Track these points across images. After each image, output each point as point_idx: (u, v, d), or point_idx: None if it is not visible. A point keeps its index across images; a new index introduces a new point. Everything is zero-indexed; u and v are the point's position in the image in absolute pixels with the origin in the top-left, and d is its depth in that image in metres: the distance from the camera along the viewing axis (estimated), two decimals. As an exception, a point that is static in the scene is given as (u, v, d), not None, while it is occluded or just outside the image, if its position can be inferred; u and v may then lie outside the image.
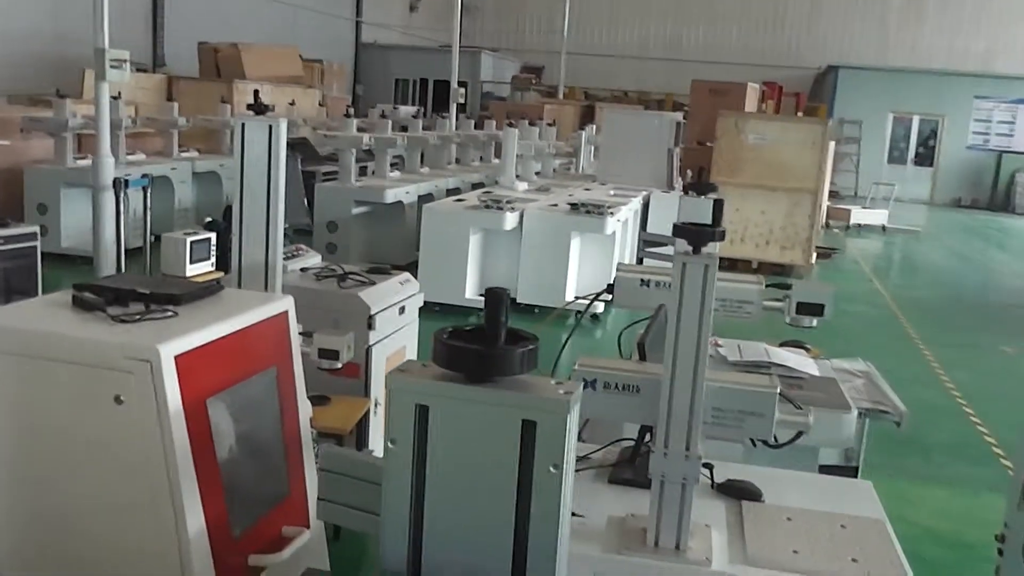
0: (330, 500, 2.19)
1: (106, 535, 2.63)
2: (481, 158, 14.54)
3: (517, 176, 10.96)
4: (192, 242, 4.71)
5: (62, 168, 9.59)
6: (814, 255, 12.64)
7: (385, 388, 1.93)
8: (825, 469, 3.47)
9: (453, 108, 14.92)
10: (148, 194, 7.94)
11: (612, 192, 10.90)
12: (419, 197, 10.32)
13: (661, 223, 10.60)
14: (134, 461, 2.56)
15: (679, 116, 13.28)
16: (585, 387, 2.24)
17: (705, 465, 2.64)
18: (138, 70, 13.20)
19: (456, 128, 14.40)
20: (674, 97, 22.86)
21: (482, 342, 1.87)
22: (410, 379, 1.92)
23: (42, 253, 6.28)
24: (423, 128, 13.25)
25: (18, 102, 11.41)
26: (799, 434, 2.60)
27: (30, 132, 9.74)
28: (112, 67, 6.48)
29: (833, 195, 20.28)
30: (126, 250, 7.26)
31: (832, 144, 14.56)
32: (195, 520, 2.57)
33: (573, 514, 2.44)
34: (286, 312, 3.16)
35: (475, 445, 1.88)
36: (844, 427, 3.31)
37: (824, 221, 16.49)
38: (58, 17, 12.14)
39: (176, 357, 2.55)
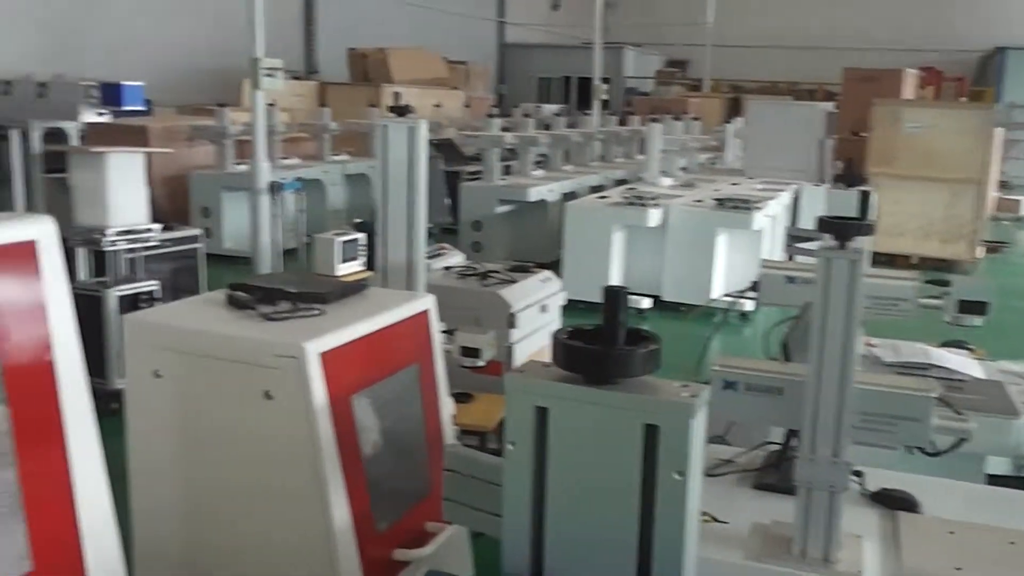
0: (455, 500, 2.19)
1: (257, 526, 2.73)
2: (625, 155, 14.42)
3: (661, 172, 10.81)
4: (342, 242, 4.86)
5: (223, 173, 10.09)
6: (981, 249, 11.92)
7: (505, 389, 1.91)
8: (993, 480, 3.24)
9: (596, 105, 14.84)
10: (301, 196, 8.27)
11: (760, 186, 10.60)
12: (562, 195, 10.32)
13: (812, 218, 10.23)
14: (283, 455, 2.65)
15: (830, 106, 12.77)
16: (725, 388, 2.17)
17: (855, 472, 2.52)
18: (293, 78, 13.75)
19: (599, 125, 14.33)
20: (825, 86, 22.03)
21: (602, 342, 1.83)
22: (529, 380, 1.90)
23: (206, 254, 6.64)
24: (566, 126, 13.24)
25: (185, 112, 12.07)
26: (960, 441, 2.44)
27: (194, 140, 10.30)
28: (267, 76, 6.75)
29: (1003, 185, 19.07)
30: (283, 250, 7.58)
31: (1001, 131, 13.69)
32: (341, 513, 2.64)
33: (715, 519, 2.37)
34: (428, 310, 3.21)
35: (595, 449, 1.84)
36: (1011, 433, 3.09)
37: (992, 213, 15.54)
38: (221, 32, 12.77)
39: (322, 354, 2.62)
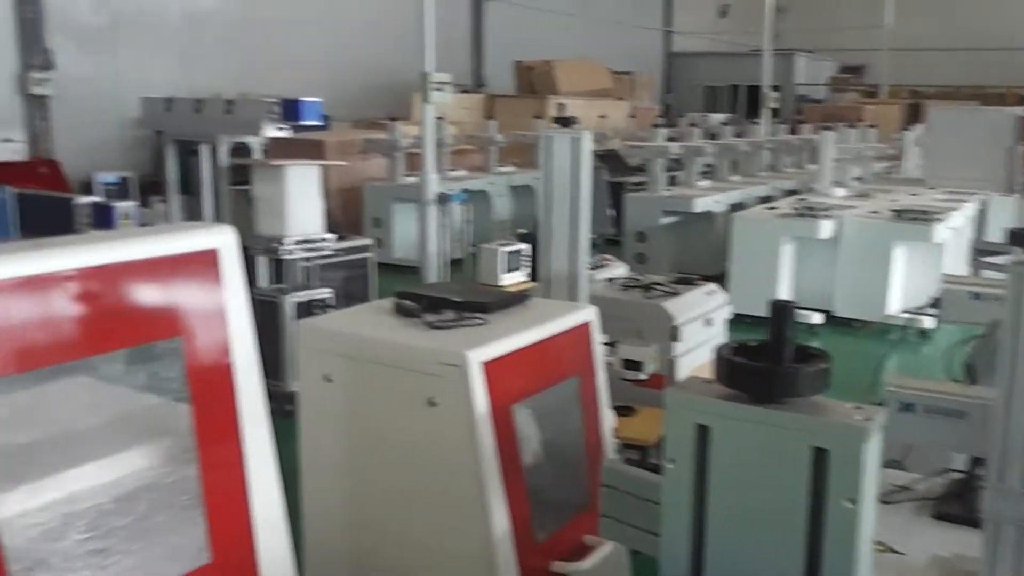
0: (612, 517, 2.15)
1: (419, 531, 2.79)
2: (795, 164, 13.96)
3: (834, 182, 10.40)
4: (506, 252, 4.92)
5: (394, 185, 10.44)
6: None
7: (664, 405, 1.86)
8: None
9: (765, 113, 14.45)
10: (468, 207, 8.43)
11: (942, 197, 10.03)
12: (729, 206, 10.09)
13: (1000, 230, 9.58)
14: (445, 461, 2.70)
15: (1021, 110, 11.93)
16: (902, 410, 2.05)
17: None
18: (461, 91, 14.06)
19: (768, 134, 13.95)
20: (1015, 90, 20.64)
21: (769, 360, 1.76)
22: (690, 396, 1.84)
23: (377, 263, 6.87)
24: (734, 135, 12.96)
25: (359, 126, 12.57)
26: None
27: (367, 153, 10.70)
28: (435, 89, 6.93)
29: None
30: (450, 260, 7.75)
31: None
32: (500, 522, 2.66)
33: (892, 550, 2.24)
34: (590, 322, 3.19)
35: (760, 471, 1.77)
36: None
37: None
38: (393, 49, 13.22)
39: (484, 363, 2.65)
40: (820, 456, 1.70)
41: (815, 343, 1.81)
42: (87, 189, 9.50)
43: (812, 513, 1.72)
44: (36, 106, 10.56)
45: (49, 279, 1.96)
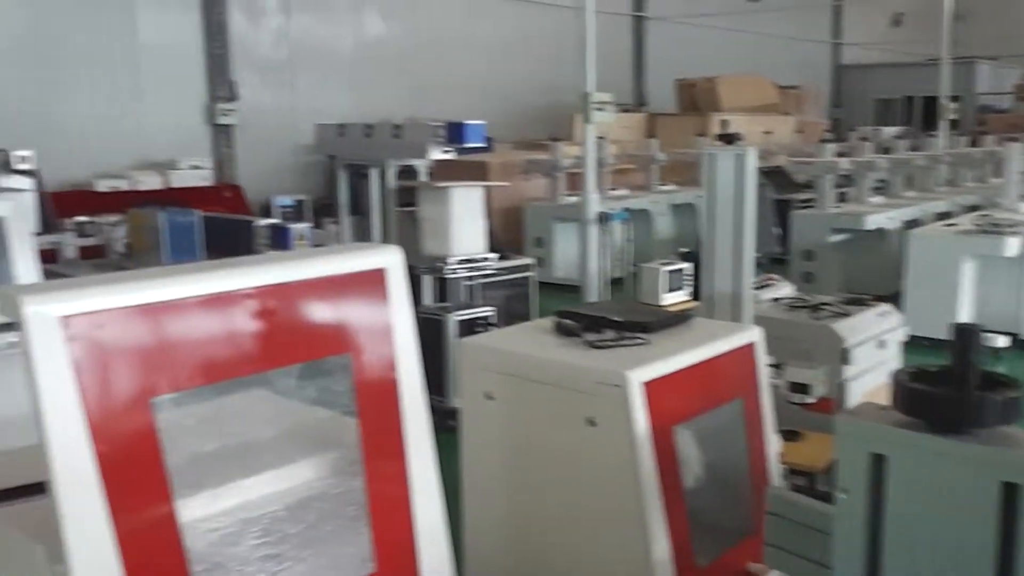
0: (778, 546, 2.07)
1: (578, 550, 2.78)
2: (977, 179, 13.18)
3: (1021, 196, 9.75)
4: (667, 272, 4.85)
5: (554, 205, 10.53)
6: None
7: (835, 432, 1.77)
8: None
9: (943, 125, 13.73)
10: (629, 226, 8.39)
11: None
12: (903, 223, 9.63)
13: None
14: (605, 481, 2.68)
15: None
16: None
17: None
18: (622, 110, 14.05)
19: (947, 147, 13.23)
20: None
21: (952, 386, 1.64)
22: (864, 423, 1.74)
23: (538, 282, 6.93)
24: (909, 149, 12.37)
25: (521, 147, 12.75)
26: None
27: (529, 173, 10.84)
28: (596, 109, 6.94)
29: None
30: (611, 279, 7.72)
31: None
32: (661, 545, 2.62)
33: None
34: (755, 343, 3.11)
35: (941, 506, 1.65)
36: None
37: None
38: (554, 70, 13.37)
39: (645, 383, 2.63)
40: (1010, 492, 1.58)
41: (1000, 368, 1.68)
42: (266, 211, 10.04)
43: (1001, 556, 1.60)
44: (221, 135, 11.27)
45: (231, 297, 2.08)
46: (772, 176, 11.21)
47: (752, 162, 3.59)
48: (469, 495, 3.05)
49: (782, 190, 11.05)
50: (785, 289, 4.82)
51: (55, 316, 1.81)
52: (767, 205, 10.14)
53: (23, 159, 5.49)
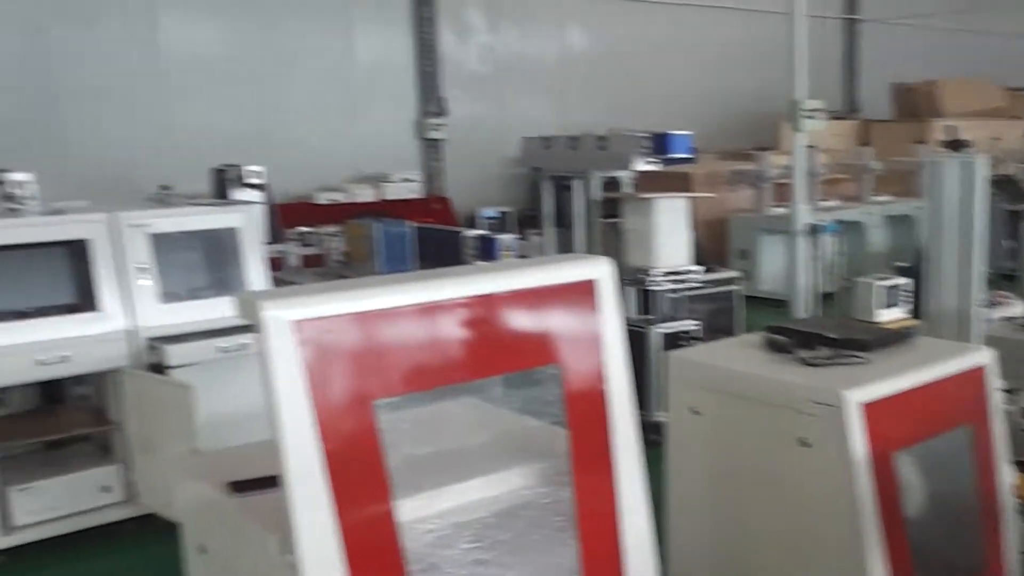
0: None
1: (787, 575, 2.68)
2: None
3: None
4: (884, 287, 4.62)
5: (760, 216, 10.24)
6: None
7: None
8: None
9: None
10: (840, 239, 8.03)
11: None
12: None
13: None
14: (818, 506, 2.57)
15: None
16: None
17: None
18: (834, 118, 13.50)
19: None
20: None
21: None
22: None
23: (743, 296, 6.76)
24: None
25: (726, 157, 12.49)
26: None
27: (734, 184, 10.60)
28: (806, 117, 6.69)
29: None
30: (821, 294, 7.42)
31: None
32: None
33: None
34: (985, 365, 2.90)
35: None
36: None
37: None
38: (761, 77, 13.00)
39: (863, 404, 2.51)
40: None
41: None
42: (471, 223, 10.32)
43: None
44: (431, 149, 11.71)
45: (447, 306, 2.14)
46: (1001, 185, 10.43)
47: (982, 170, 3.36)
48: (674, 511, 3.01)
49: (1013, 200, 10.26)
50: (1018, 308, 4.48)
51: (289, 320, 1.94)
52: (996, 216, 9.44)
53: (254, 174, 5.91)
